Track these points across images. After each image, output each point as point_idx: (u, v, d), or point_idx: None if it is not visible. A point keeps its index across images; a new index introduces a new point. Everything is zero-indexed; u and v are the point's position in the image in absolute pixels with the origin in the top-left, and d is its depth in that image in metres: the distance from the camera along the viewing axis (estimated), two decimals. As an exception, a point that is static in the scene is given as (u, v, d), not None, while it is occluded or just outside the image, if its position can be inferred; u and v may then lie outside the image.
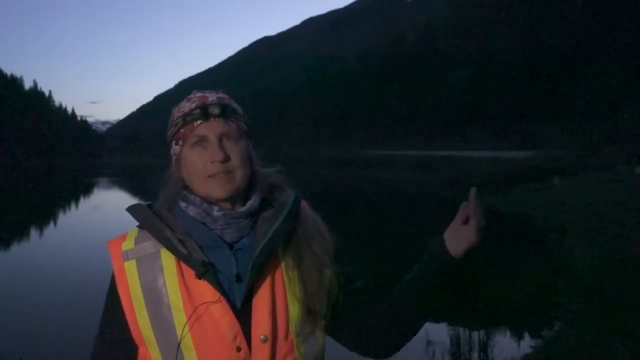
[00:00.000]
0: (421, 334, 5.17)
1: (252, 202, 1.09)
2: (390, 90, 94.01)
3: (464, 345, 5.34)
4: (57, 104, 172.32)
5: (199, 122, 1.05)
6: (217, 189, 1.04)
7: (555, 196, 17.77)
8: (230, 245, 1.06)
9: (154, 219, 1.07)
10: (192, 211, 1.07)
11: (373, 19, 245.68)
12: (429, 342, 5.55)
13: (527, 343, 5.75)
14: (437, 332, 5.87)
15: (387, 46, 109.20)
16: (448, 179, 29.62)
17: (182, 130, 1.07)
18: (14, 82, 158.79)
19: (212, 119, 1.05)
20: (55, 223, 17.53)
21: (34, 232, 15.14)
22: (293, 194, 1.13)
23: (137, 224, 1.11)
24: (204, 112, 1.05)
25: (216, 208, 1.06)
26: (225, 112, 1.07)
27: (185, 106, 1.08)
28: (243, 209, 1.07)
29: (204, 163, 1.04)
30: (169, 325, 1.02)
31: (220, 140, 1.05)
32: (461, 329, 5.56)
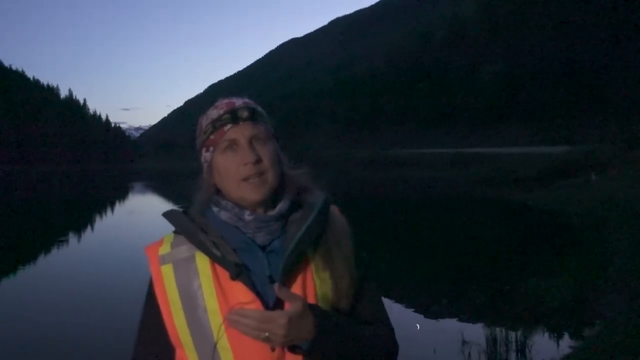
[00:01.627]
0: (457, 334, 5.10)
1: (282, 205, 1.10)
2: (420, 88, 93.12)
3: (501, 345, 5.23)
4: (91, 111, 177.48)
5: (228, 126, 1.08)
6: (251, 192, 1.06)
7: (593, 192, 17.30)
8: (263, 248, 1.08)
9: (189, 223, 1.09)
10: (224, 215, 1.10)
11: (400, 16, 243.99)
12: (464, 343, 5.48)
13: (567, 343, 5.61)
14: (472, 332, 5.79)
15: (415, 43, 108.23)
16: (483, 176, 29.17)
17: (212, 137, 1.10)
18: (50, 92, 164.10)
19: (241, 123, 1.08)
20: (92, 228, 17.98)
21: (72, 237, 15.57)
22: (322, 195, 1.13)
23: (172, 229, 1.13)
24: (233, 117, 1.08)
25: (247, 212, 1.08)
26: (254, 115, 1.09)
27: (213, 113, 1.11)
28: (273, 212, 1.09)
29: (237, 166, 1.07)
30: (205, 327, 1.04)
31: (250, 142, 1.08)
32: (497, 329, 5.44)
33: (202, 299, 1.04)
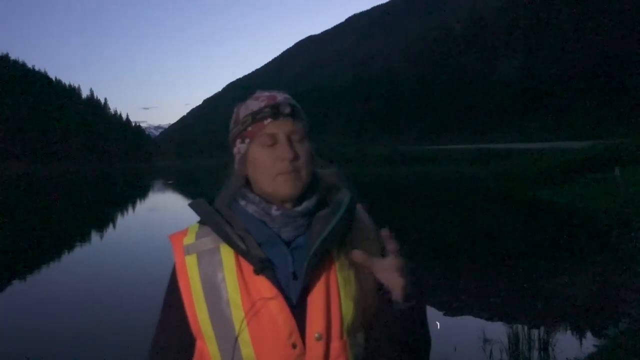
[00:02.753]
0: (478, 331, 5.00)
1: (308, 202, 1.10)
2: (438, 84, 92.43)
3: (523, 343, 5.16)
4: (112, 110, 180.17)
5: (268, 120, 1.08)
6: (285, 187, 1.06)
7: (617, 187, 16.97)
8: (287, 244, 1.08)
9: (215, 214, 1.09)
10: (251, 209, 1.10)
11: (417, 12, 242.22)
12: (485, 341, 5.42)
13: (591, 342, 5.51)
14: (494, 330, 5.72)
15: (432, 39, 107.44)
16: (503, 172, 28.83)
17: (250, 129, 1.09)
18: (72, 92, 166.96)
19: (282, 118, 1.08)
20: (114, 225, 18.22)
21: (95, 235, 15.80)
22: (349, 194, 1.13)
23: (196, 221, 1.14)
24: (275, 111, 1.08)
25: (274, 207, 1.08)
26: (294, 112, 1.10)
27: (254, 104, 1.10)
28: (299, 208, 1.09)
29: (274, 161, 1.07)
30: (227, 320, 1.03)
31: (289, 139, 1.08)
32: (520, 327, 5.37)
33: (226, 292, 1.04)
